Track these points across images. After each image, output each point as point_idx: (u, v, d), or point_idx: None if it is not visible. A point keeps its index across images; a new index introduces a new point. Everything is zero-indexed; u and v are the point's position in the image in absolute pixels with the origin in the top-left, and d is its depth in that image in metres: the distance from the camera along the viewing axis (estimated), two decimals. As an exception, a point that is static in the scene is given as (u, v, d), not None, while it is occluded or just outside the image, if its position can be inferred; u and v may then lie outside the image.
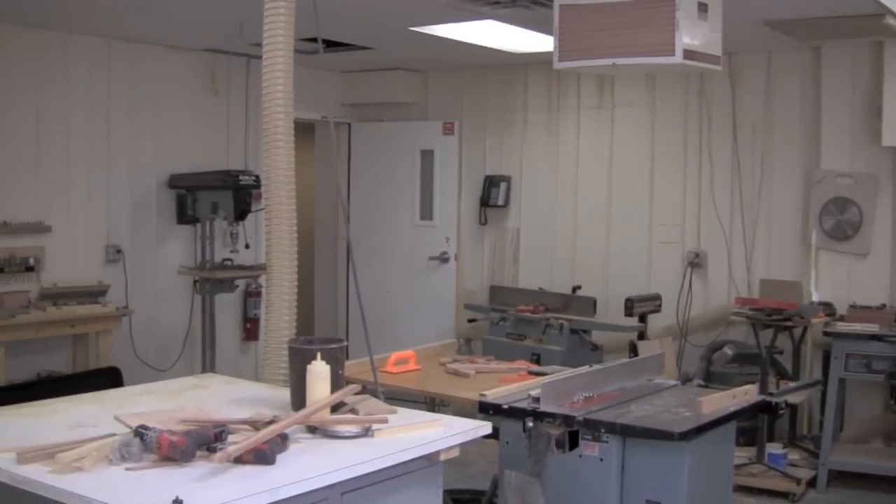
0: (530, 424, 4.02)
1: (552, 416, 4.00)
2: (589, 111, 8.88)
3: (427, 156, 9.65)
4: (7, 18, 7.14)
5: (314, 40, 4.52)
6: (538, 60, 8.35)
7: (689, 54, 5.12)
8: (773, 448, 7.00)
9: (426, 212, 9.66)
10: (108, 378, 7.25)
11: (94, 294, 7.51)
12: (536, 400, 4.12)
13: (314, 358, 3.41)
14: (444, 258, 9.50)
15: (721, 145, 8.22)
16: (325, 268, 10.42)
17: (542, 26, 6.66)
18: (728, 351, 7.76)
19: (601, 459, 3.97)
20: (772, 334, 7.01)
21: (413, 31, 7.35)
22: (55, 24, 7.40)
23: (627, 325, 7.78)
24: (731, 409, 4.23)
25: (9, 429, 3.36)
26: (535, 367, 5.37)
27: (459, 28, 7.26)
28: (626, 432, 3.92)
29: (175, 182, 8.21)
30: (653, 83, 8.53)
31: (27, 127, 7.44)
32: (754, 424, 6.89)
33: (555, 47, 5.44)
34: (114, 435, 3.07)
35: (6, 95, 7.31)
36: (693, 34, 5.14)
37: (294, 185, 4.35)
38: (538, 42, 7.44)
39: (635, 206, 8.62)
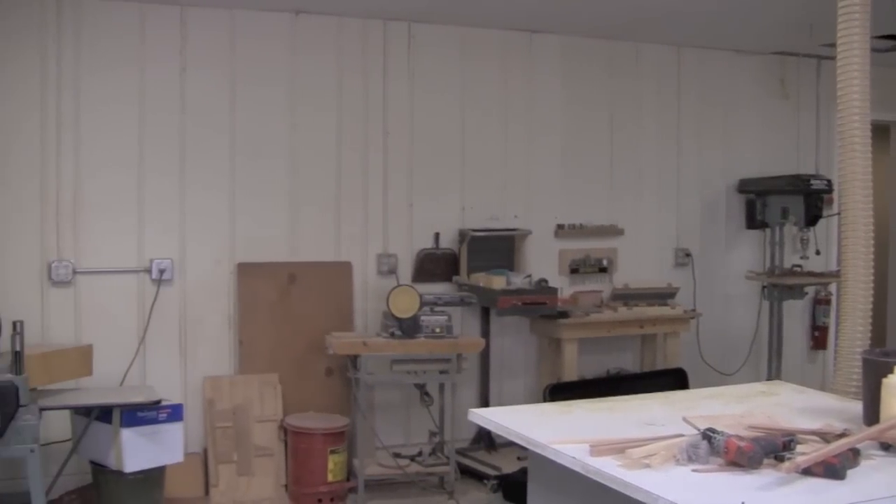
0: None
1: None
2: None
3: None
4: (587, 33, 7.57)
5: (892, 37, 4.33)
6: None
7: None
8: None
9: None
10: (674, 379, 7.41)
11: (664, 296, 7.72)
12: None
13: (890, 371, 3.26)
14: None
15: None
16: (900, 276, 9.89)
17: None
18: None
19: None
20: None
21: None
22: (627, 35, 7.72)
23: None
24: None
25: (583, 422, 3.54)
26: None
27: None
28: None
29: (744, 187, 8.23)
30: None
31: (601, 138, 7.83)
32: None
33: None
34: (682, 435, 3.12)
35: (584, 109, 7.73)
36: None
37: (871, 190, 4.21)
38: None
39: None
